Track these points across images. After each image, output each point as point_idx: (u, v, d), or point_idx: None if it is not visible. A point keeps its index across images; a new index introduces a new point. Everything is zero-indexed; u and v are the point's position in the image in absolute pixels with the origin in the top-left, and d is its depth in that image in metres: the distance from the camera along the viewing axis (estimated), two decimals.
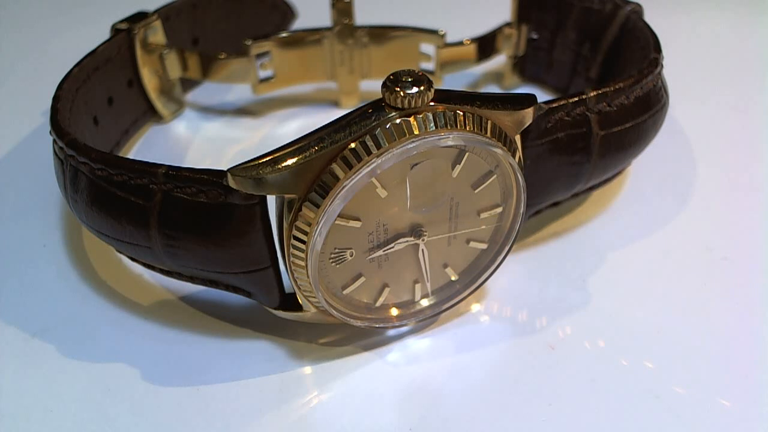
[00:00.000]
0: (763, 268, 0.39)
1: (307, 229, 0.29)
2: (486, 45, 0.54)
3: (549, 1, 0.51)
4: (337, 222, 0.30)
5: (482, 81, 0.58)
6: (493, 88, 0.57)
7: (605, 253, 0.40)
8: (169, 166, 0.31)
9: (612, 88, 0.36)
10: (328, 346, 0.35)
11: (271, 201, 0.31)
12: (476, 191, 0.32)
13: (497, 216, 0.34)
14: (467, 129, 0.29)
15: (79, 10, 0.73)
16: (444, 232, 0.33)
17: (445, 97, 0.29)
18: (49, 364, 0.35)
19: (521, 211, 0.34)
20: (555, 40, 0.52)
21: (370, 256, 0.33)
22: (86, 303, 0.38)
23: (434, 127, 0.29)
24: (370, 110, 0.29)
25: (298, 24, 0.62)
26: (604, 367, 0.34)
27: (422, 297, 0.35)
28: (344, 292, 0.33)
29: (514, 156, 0.31)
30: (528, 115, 0.32)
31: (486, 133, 0.30)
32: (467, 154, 0.31)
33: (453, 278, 0.35)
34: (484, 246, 0.35)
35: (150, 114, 0.53)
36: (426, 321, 0.36)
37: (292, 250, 0.30)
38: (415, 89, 0.28)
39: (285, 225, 0.30)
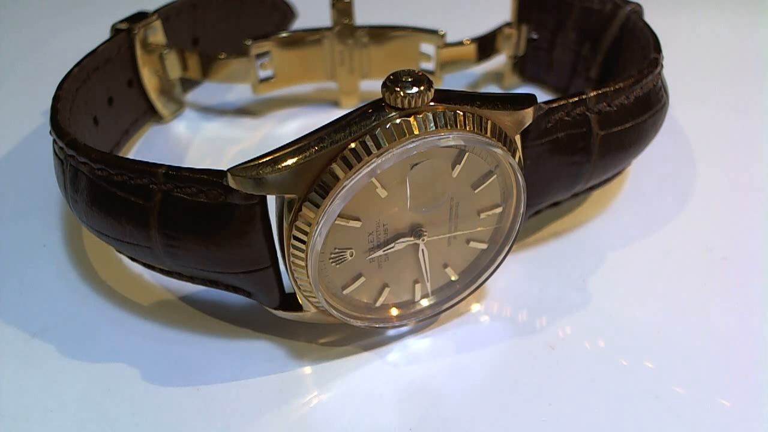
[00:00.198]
0: (763, 268, 0.39)
1: (307, 229, 0.29)
2: (486, 45, 0.54)
3: (549, 1, 0.51)
4: (337, 222, 0.30)
5: (482, 81, 0.58)
6: (493, 88, 0.57)
7: (605, 253, 0.40)
8: (169, 166, 0.31)
9: (612, 88, 0.36)
10: (328, 346, 0.35)
11: (271, 201, 0.31)
12: (476, 191, 0.32)
13: (497, 216, 0.34)
14: (467, 129, 0.29)
15: (79, 10, 0.73)
16: (444, 232, 0.33)
17: (445, 97, 0.29)
18: (49, 364, 0.35)
19: (521, 211, 0.34)
20: (555, 40, 0.52)
21: (370, 256, 0.33)
22: (86, 303, 0.38)
23: (434, 127, 0.29)
24: (370, 110, 0.29)
25: (298, 24, 0.62)
26: (604, 367, 0.34)
27: (422, 297, 0.35)
28: (344, 292, 0.33)
29: (514, 156, 0.31)
30: (528, 115, 0.32)
31: (486, 133, 0.30)
32: (467, 154, 0.31)
33: (453, 278, 0.35)
34: (484, 246, 0.35)
35: (150, 114, 0.53)
36: (426, 321, 0.36)
37: (292, 250, 0.30)
38: (415, 89, 0.28)
39: (285, 225, 0.30)
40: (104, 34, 0.49)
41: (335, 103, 0.56)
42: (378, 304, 0.35)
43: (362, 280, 0.33)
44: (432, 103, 0.29)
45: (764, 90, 0.56)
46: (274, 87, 0.55)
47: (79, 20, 0.70)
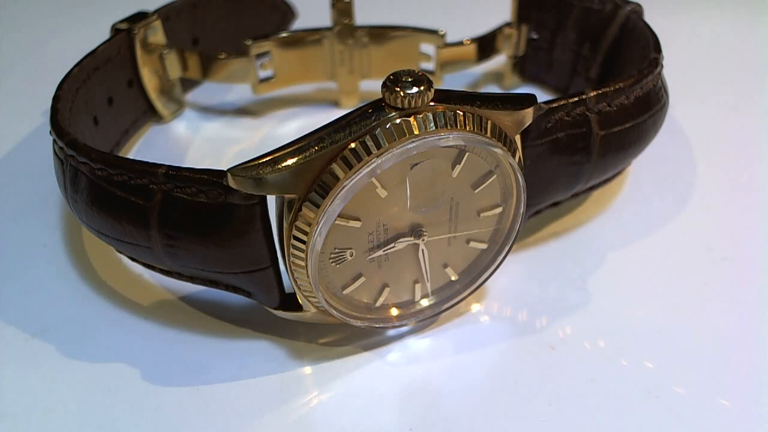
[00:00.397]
0: (763, 268, 0.39)
1: (307, 229, 0.29)
2: (486, 45, 0.54)
3: (549, 1, 0.51)
4: (337, 222, 0.30)
5: (482, 81, 0.58)
6: (493, 88, 0.57)
7: (605, 253, 0.40)
8: (169, 166, 0.31)
9: (612, 88, 0.36)
10: (328, 346, 0.35)
11: (271, 201, 0.31)
12: (476, 191, 0.32)
13: (497, 216, 0.34)
14: (467, 129, 0.29)
15: (79, 10, 0.73)
16: (444, 232, 0.33)
17: (445, 97, 0.29)
18: (49, 364, 0.35)
19: (521, 211, 0.34)
20: (555, 40, 0.52)
21: (370, 256, 0.33)
22: (86, 303, 0.38)
23: (434, 127, 0.29)
24: (370, 110, 0.29)
25: (298, 24, 0.62)
26: (604, 367, 0.34)
27: (422, 297, 0.35)
28: (344, 292, 0.33)
29: (514, 156, 0.31)
30: (528, 115, 0.32)
31: (486, 133, 0.30)
32: (467, 154, 0.31)
33: (453, 278, 0.35)
34: (484, 246, 0.35)
35: (150, 114, 0.53)
36: (426, 321, 0.36)
37: (292, 250, 0.30)
38: (415, 89, 0.28)
39: (285, 225, 0.30)
40: (104, 34, 0.49)
41: (335, 103, 0.56)
42: (378, 304, 0.35)
43: (362, 280, 0.33)
44: (432, 103, 0.29)
45: (764, 90, 0.56)
46: (274, 87, 0.55)
47: (79, 20, 0.70)
